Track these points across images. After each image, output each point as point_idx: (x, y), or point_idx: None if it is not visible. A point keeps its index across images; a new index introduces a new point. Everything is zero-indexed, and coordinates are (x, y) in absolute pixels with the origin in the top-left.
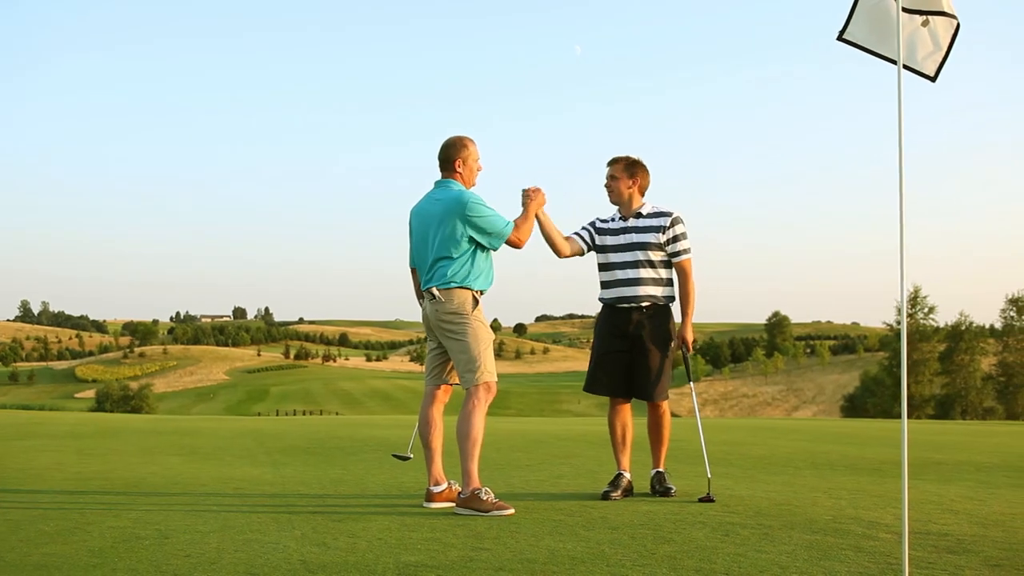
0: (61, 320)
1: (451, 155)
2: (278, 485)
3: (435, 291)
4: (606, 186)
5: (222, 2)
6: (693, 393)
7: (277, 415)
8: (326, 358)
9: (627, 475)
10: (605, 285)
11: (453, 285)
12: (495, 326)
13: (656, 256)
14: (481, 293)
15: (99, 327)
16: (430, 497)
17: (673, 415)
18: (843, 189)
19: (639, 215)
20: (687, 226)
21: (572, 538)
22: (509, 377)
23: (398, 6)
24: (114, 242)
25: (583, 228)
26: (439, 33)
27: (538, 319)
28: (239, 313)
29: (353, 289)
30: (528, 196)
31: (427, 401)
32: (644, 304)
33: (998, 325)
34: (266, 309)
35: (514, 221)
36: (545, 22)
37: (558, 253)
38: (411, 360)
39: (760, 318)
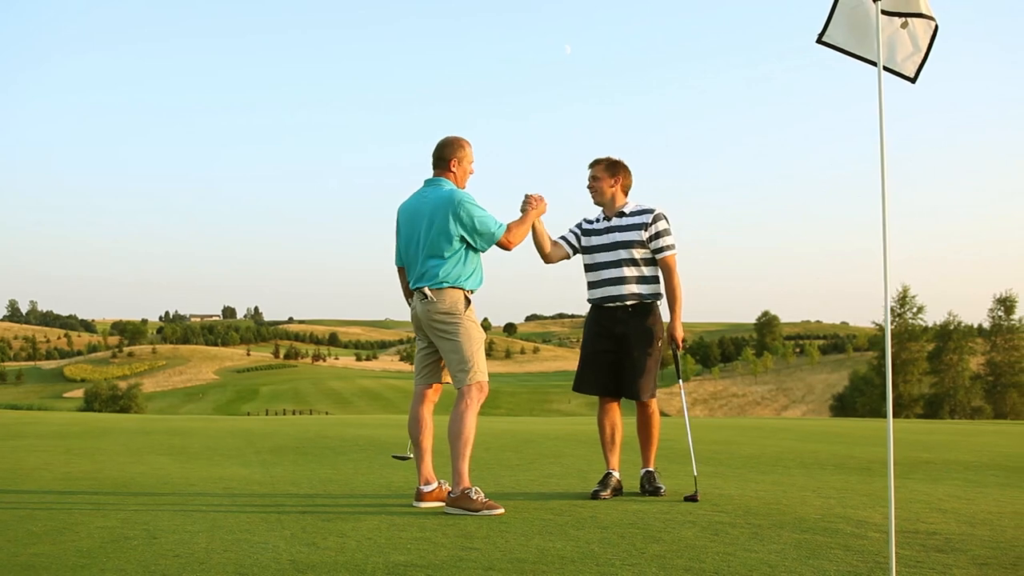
0: (49, 319)
1: (447, 154)
2: (267, 485)
3: (427, 291)
4: (589, 187)
5: (197, 2)
6: (683, 392)
7: (267, 415)
8: (316, 357)
9: (616, 474)
10: (591, 285)
11: (445, 285)
12: (485, 326)
13: (640, 254)
14: (472, 293)
15: (88, 326)
16: (420, 496)
17: (663, 414)
18: (832, 189)
19: (622, 214)
20: (670, 223)
21: (562, 537)
22: (499, 377)
23: (384, 6)
24: (103, 241)
25: (569, 231)
26: (428, 33)
27: (528, 319)
28: (228, 312)
29: (343, 289)
30: (529, 202)
31: (417, 401)
32: (630, 303)
33: (986, 325)
34: (256, 308)
35: (508, 224)
36: (535, 22)
37: (545, 259)
38: (401, 359)
39: (750, 318)
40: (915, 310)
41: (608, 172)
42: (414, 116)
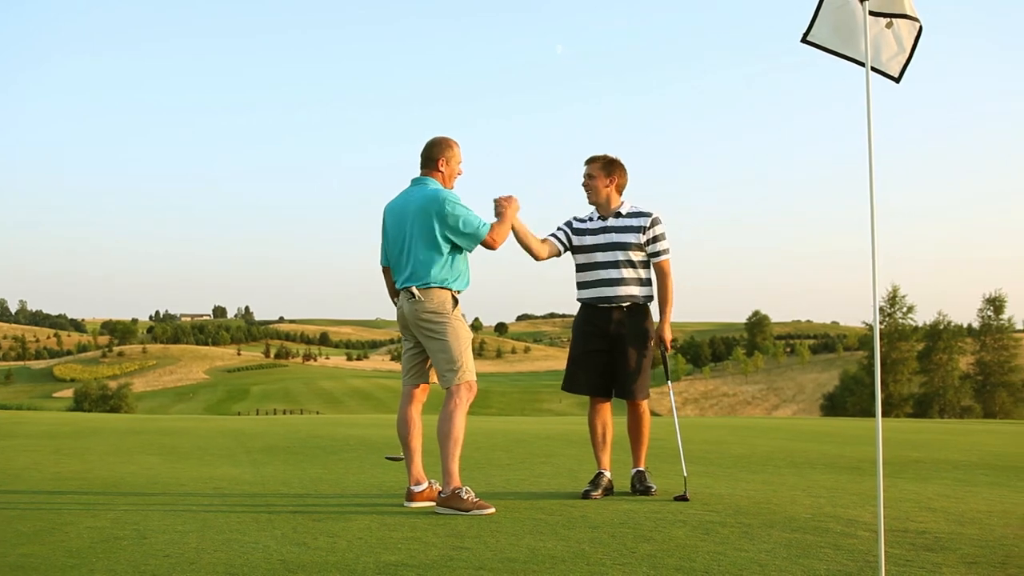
0: (39, 319)
1: (435, 153)
2: (258, 485)
3: (414, 291)
4: (584, 185)
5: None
6: (671, 392)
7: (257, 414)
8: (306, 357)
9: (607, 474)
10: (584, 285)
11: (432, 285)
12: (476, 325)
13: (636, 256)
14: (459, 293)
15: (77, 326)
16: (410, 496)
17: (653, 414)
18: (822, 189)
19: (618, 215)
20: (665, 226)
21: (552, 537)
22: (490, 376)
23: (374, 7)
24: (93, 240)
25: (559, 229)
26: (418, 34)
27: (519, 318)
28: (219, 312)
29: (334, 288)
30: (502, 204)
31: (405, 401)
32: (624, 304)
33: (976, 324)
34: (246, 308)
35: (491, 224)
36: (527, 22)
37: (535, 257)
38: (392, 359)
39: (740, 317)
40: (905, 310)
41: (604, 171)
42: (404, 117)
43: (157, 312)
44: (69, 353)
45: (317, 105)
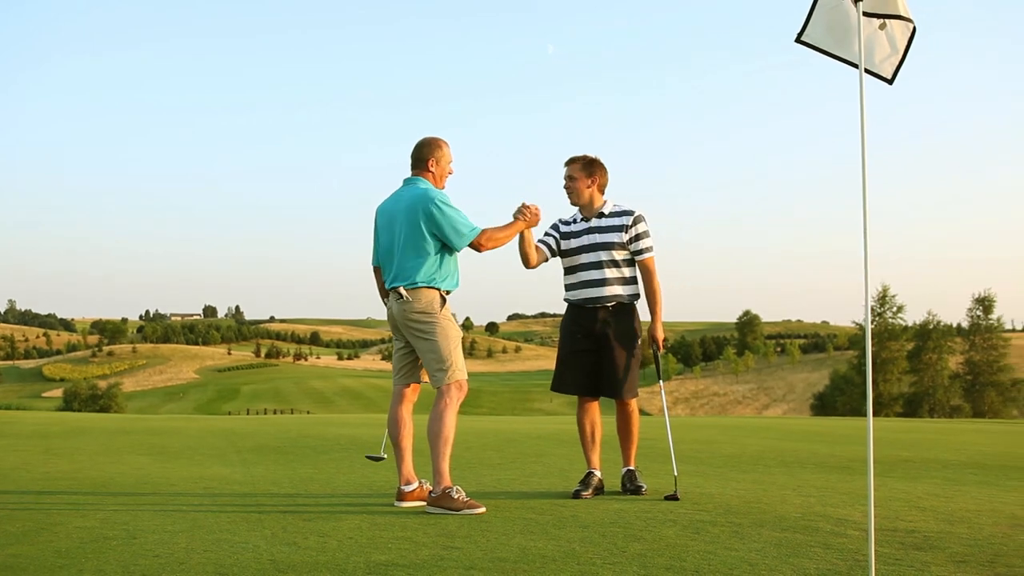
0: (28, 318)
1: (425, 154)
2: (248, 484)
3: (402, 291)
4: (565, 187)
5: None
6: (663, 392)
7: (248, 414)
8: (297, 357)
9: (598, 473)
10: (570, 286)
11: (420, 285)
12: (467, 325)
13: (620, 255)
14: (448, 293)
15: (67, 325)
16: (401, 496)
17: (644, 413)
18: (813, 189)
19: (601, 215)
20: (649, 224)
21: (543, 536)
22: (481, 376)
23: (366, 7)
24: (82, 240)
25: (547, 235)
26: (410, 34)
27: (510, 318)
28: (209, 311)
29: (324, 288)
30: (523, 213)
31: (396, 400)
32: (610, 303)
33: (965, 324)
34: (237, 307)
35: (489, 228)
36: (518, 22)
37: (527, 264)
38: (382, 359)
39: (731, 317)
40: (895, 309)
41: (585, 172)
42: (396, 117)
43: (147, 311)
44: (58, 353)
45: (312, 106)
